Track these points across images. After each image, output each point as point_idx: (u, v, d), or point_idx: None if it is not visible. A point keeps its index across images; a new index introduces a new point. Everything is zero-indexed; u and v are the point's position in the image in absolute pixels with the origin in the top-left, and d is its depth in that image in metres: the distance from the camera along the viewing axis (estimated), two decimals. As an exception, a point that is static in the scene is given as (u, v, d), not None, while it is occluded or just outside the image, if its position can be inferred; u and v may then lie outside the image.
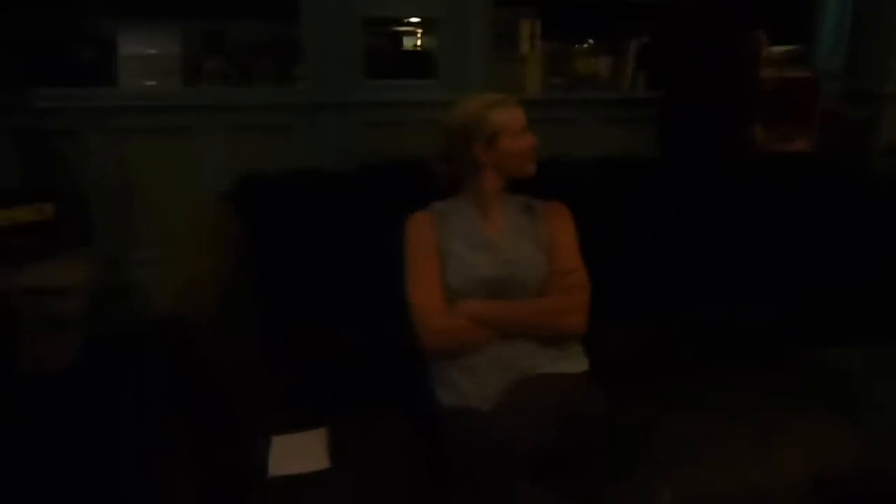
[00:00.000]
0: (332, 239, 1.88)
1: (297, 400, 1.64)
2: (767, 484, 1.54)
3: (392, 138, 3.05)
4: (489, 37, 3.17)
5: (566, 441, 1.44)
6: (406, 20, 3.37)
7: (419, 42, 3.47)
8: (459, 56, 3.14)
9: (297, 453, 1.50)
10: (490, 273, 1.68)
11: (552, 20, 3.27)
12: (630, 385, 1.74)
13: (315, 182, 1.97)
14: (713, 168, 2.28)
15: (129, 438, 2.20)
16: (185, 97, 3.04)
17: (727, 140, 2.91)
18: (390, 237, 1.76)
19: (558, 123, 3.13)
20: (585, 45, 3.38)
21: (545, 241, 1.76)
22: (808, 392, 1.80)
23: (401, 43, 3.46)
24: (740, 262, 2.15)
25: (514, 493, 1.32)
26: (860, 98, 3.62)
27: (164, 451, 1.94)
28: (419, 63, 3.27)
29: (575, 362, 1.69)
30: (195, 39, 3.16)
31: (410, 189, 1.89)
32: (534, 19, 3.27)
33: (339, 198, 1.94)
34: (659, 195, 2.14)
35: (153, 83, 3.07)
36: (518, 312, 1.66)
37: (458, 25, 3.13)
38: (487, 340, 1.62)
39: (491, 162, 1.77)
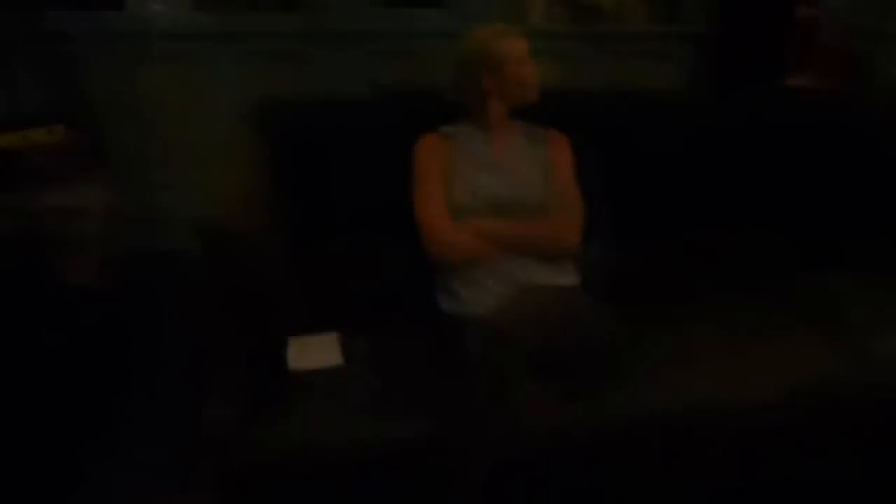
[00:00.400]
0: (353, 161, 1.99)
1: (319, 308, 1.78)
2: (746, 392, 1.66)
3: (400, 67, 3.11)
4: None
5: (565, 342, 1.56)
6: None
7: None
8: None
9: (313, 352, 1.66)
10: (494, 193, 1.80)
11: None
12: (626, 300, 1.83)
13: (334, 108, 2.07)
14: (717, 101, 2.37)
15: (167, 342, 2.37)
16: (191, 23, 3.07)
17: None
18: (405, 160, 1.88)
19: (560, 56, 3.18)
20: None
21: (545, 165, 1.88)
22: (795, 312, 1.93)
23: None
24: (740, 192, 2.25)
25: (519, 385, 1.45)
26: (862, 35, 3.65)
27: (202, 351, 2.10)
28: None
29: (569, 277, 1.82)
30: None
31: (425, 116, 1.98)
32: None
33: (356, 122, 2.04)
34: (665, 128, 2.24)
35: (160, 7, 3.09)
36: (519, 231, 1.78)
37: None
38: (490, 255, 1.74)
39: (496, 89, 1.86)
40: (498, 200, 1.80)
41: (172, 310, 2.54)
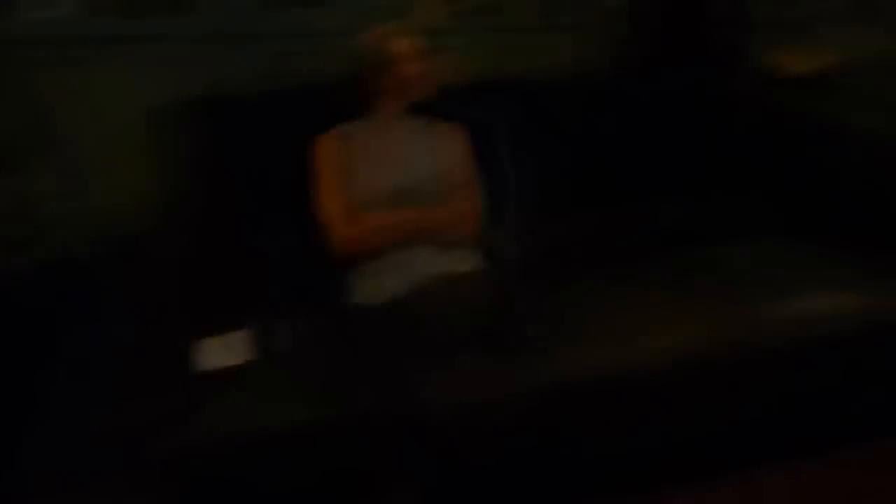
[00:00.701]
0: (252, 160, 2.05)
1: (228, 307, 1.80)
2: (640, 358, 1.75)
3: (295, 66, 3.12)
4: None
5: (468, 324, 1.64)
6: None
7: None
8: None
9: (223, 351, 1.69)
10: (391, 187, 1.88)
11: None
12: (529, 281, 1.92)
13: (232, 107, 2.12)
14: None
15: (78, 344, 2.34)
16: (84, 28, 3.01)
17: None
18: (305, 157, 1.95)
19: (456, 49, 3.26)
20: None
21: (442, 157, 1.97)
22: (692, 277, 2.05)
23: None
24: (624, 167, 2.39)
25: (425, 372, 1.53)
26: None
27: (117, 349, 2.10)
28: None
29: (468, 263, 1.91)
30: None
31: (322, 113, 2.04)
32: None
33: (254, 121, 2.09)
34: (573, 108, 2.38)
35: (51, 13, 3.02)
36: (419, 221, 1.87)
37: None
38: (388, 247, 1.82)
39: (388, 88, 1.95)
40: (397, 193, 1.87)
41: (79, 313, 2.51)
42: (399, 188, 1.88)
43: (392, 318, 1.60)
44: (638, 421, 1.78)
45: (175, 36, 3.08)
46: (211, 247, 1.90)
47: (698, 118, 2.52)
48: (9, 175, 2.95)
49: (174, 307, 1.63)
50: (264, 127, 2.08)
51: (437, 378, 1.54)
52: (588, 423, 1.72)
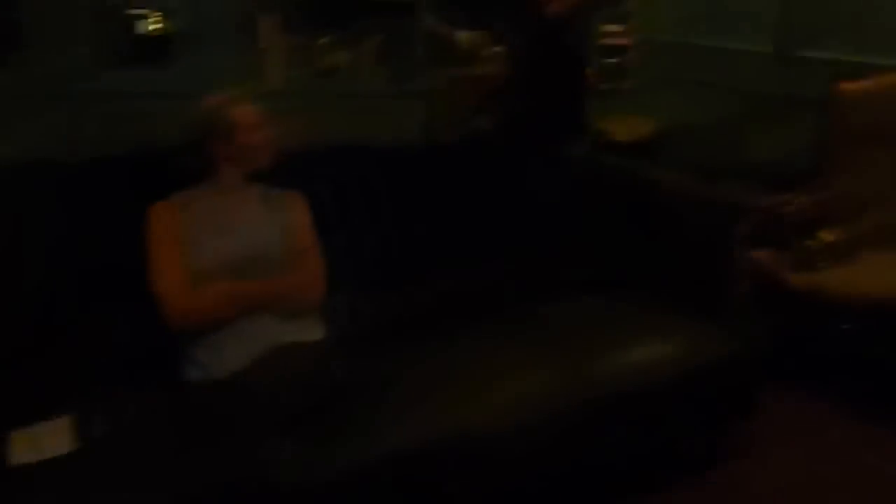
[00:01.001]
0: (82, 227, 1.96)
1: (51, 389, 1.71)
2: (481, 418, 1.81)
3: (127, 130, 3.03)
4: (230, 29, 3.25)
5: (307, 396, 1.64)
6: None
7: (155, 27, 3.42)
8: (199, 47, 3.20)
9: (41, 442, 1.54)
10: (231, 256, 1.86)
11: (293, 15, 3.42)
12: (370, 347, 1.95)
13: (61, 172, 2.03)
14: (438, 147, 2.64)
15: None
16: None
17: None
18: (138, 225, 1.88)
19: (302, 115, 3.29)
20: (326, 40, 3.56)
21: (283, 225, 1.97)
22: (523, 337, 2.12)
23: (135, 28, 3.40)
24: (465, 230, 2.50)
25: (266, 442, 1.50)
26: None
27: None
28: (156, 51, 3.26)
29: (313, 332, 1.91)
30: None
31: (154, 180, 1.99)
32: (275, 13, 3.40)
33: (82, 187, 2.01)
34: (395, 180, 2.44)
35: None
36: (260, 291, 1.85)
37: (196, 15, 3.19)
38: (231, 318, 1.79)
39: (228, 156, 1.93)
40: (237, 263, 1.85)
41: None
42: (240, 257, 1.86)
43: (226, 393, 1.57)
44: (480, 478, 1.81)
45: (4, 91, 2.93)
46: (26, 326, 1.80)
47: (534, 182, 2.66)
48: None
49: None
50: (95, 194, 2.00)
51: (264, 458, 1.50)
52: (431, 484, 1.75)
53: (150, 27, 3.30)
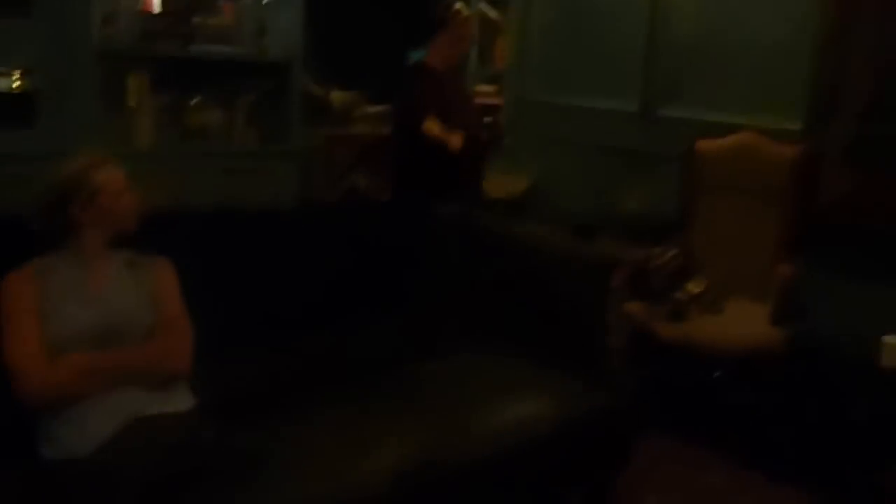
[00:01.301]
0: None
1: None
2: (359, 483, 1.76)
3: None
4: (96, 88, 3.14)
5: (172, 469, 1.54)
6: None
7: (17, 84, 3.26)
8: (62, 108, 3.06)
9: None
10: (94, 325, 1.75)
11: (162, 74, 3.35)
12: (245, 414, 1.88)
13: None
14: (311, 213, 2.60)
15: None
16: None
17: None
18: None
19: (172, 176, 3.20)
20: (197, 100, 3.50)
21: (149, 291, 1.88)
22: (393, 401, 2.10)
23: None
24: (342, 291, 2.45)
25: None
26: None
27: None
28: (17, 110, 3.10)
29: (182, 401, 1.81)
30: None
31: (9, 246, 1.86)
32: (143, 72, 3.32)
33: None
34: (268, 241, 2.38)
35: None
36: (123, 361, 1.74)
37: (61, 76, 3.06)
38: (92, 390, 1.67)
39: (90, 220, 1.83)
40: (99, 332, 1.74)
41: None
42: (102, 327, 1.75)
43: (83, 471, 1.46)
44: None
45: None
46: None
47: (410, 240, 2.67)
48: None
49: None
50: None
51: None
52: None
53: (13, 85, 3.14)
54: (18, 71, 3.12)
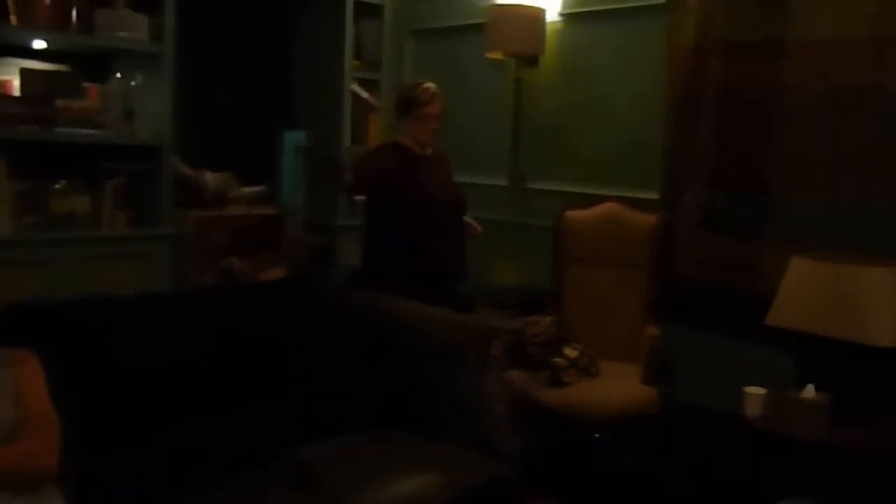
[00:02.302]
0: None
1: None
2: None
3: None
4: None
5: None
6: None
7: None
8: None
9: None
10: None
11: (24, 159, 3.21)
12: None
13: None
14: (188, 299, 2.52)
15: None
16: None
17: None
18: None
19: (34, 264, 3.05)
20: (62, 184, 3.36)
21: (11, 388, 1.76)
22: (282, 486, 2.07)
23: None
24: (218, 376, 2.36)
25: None
26: (319, 229, 4.28)
27: None
28: None
29: (53, 501, 1.69)
30: None
31: None
32: (1, 156, 3.17)
33: None
34: (141, 329, 2.29)
35: None
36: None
37: None
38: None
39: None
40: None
41: None
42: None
43: None
44: None
45: None
46: None
47: (286, 321, 2.63)
48: None
49: None
50: None
51: None
52: None
53: None
54: None
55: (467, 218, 3.38)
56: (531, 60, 3.88)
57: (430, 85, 3.23)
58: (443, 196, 3.24)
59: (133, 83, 3.46)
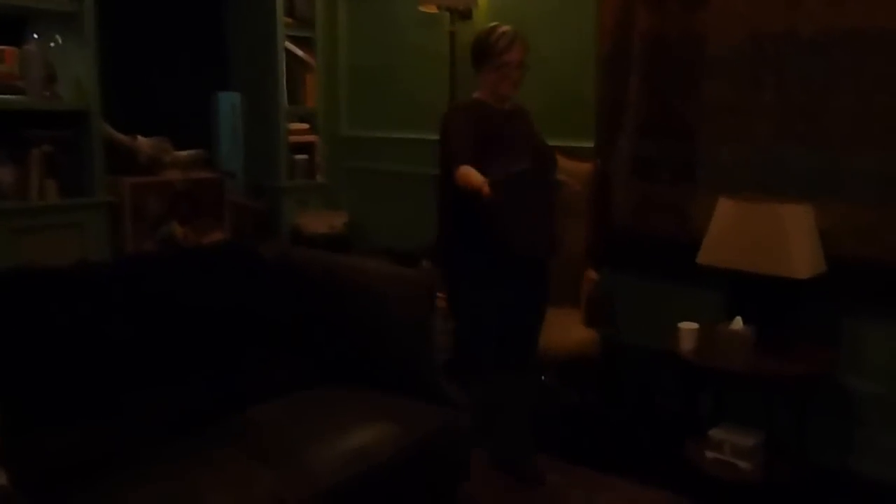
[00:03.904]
0: None
1: None
2: None
3: None
4: None
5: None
6: None
7: None
8: None
9: None
10: None
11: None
12: (60, 486, 1.79)
13: None
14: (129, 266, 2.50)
15: None
16: None
17: None
18: None
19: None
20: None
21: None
22: (234, 448, 2.07)
23: None
24: (163, 343, 2.34)
25: None
26: (260, 191, 4.25)
27: None
28: None
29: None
30: None
31: None
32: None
33: None
34: (78, 299, 2.25)
35: None
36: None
37: None
38: None
39: None
40: None
41: None
42: None
43: None
44: None
45: None
46: None
47: (231, 285, 2.61)
48: None
49: None
50: None
51: None
52: None
53: None
54: None
55: (561, 176, 2.89)
56: (465, 13, 3.87)
57: (506, 28, 2.74)
58: (518, 153, 2.70)
59: (52, 45, 3.33)
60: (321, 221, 4.27)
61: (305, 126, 4.47)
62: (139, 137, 3.67)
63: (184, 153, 3.82)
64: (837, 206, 2.81)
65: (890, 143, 2.74)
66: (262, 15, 4.24)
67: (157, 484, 1.88)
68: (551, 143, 3.23)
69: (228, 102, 4.11)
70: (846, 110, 2.82)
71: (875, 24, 2.75)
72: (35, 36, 3.31)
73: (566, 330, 3.12)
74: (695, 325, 2.78)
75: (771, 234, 2.64)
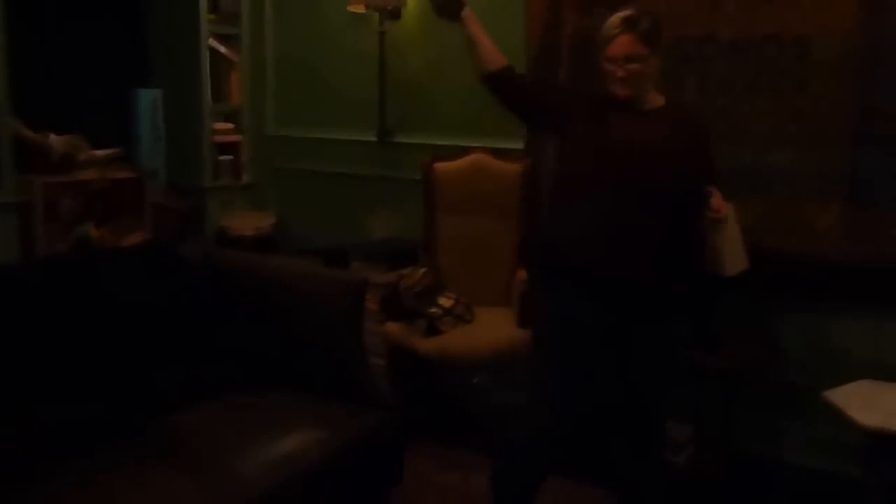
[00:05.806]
0: None
1: None
2: None
3: None
4: None
5: None
6: None
7: None
8: None
9: None
10: None
11: None
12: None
13: None
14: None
15: None
16: None
17: None
18: None
19: None
20: None
21: None
22: (157, 458, 1.99)
23: None
24: (82, 349, 2.23)
25: None
26: (183, 192, 4.12)
27: None
28: None
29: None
30: None
31: None
32: None
33: None
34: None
35: None
36: None
37: None
38: None
39: None
40: None
41: None
42: None
43: None
44: None
45: None
46: None
47: (152, 289, 2.51)
48: None
49: None
50: None
51: None
52: None
53: None
54: None
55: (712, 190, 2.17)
56: (394, 13, 3.83)
57: (616, 17, 2.23)
58: (635, 156, 2.22)
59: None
60: (247, 223, 4.17)
61: (230, 125, 4.37)
62: (51, 135, 3.50)
63: (100, 152, 3.67)
64: (757, 203, 2.90)
65: (805, 142, 2.85)
66: (183, 9, 4.12)
67: (73, 499, 1.79)
68: (480, 143, 3.22)
69: (149, 99, 3.96)
70: (764, 111, 2.92)
71: (790, 30, 2.85)
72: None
73: (497, 330, 3.12)
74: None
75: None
